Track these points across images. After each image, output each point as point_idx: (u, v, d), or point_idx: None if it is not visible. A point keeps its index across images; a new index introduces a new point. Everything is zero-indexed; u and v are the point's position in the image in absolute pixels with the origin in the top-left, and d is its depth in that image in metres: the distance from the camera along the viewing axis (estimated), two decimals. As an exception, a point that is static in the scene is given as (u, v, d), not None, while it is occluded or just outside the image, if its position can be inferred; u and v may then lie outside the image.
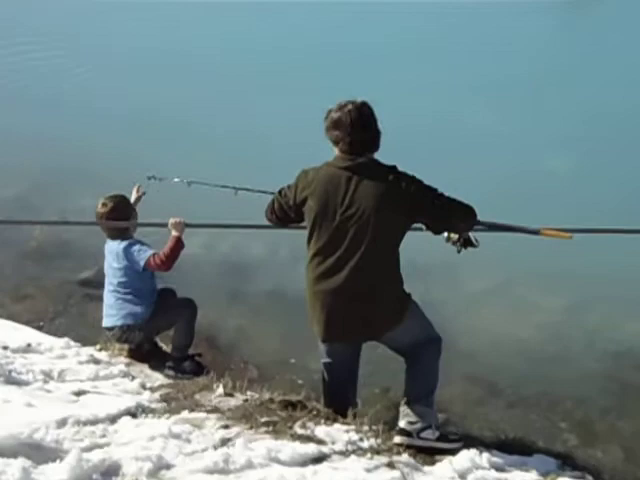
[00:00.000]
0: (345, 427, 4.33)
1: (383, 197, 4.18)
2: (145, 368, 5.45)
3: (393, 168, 4.30)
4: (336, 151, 4.38)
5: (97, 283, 8.60)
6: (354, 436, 4.20)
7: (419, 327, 4.55)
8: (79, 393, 4.53)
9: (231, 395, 4.71)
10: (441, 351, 4.63)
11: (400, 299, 4.47)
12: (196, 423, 4.13)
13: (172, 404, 4.48)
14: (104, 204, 5.55)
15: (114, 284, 5.46)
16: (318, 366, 6.64)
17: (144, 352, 5.59)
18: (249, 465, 3.57)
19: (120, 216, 5.52)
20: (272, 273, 8.91)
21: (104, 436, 3.82)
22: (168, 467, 3.50)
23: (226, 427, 4.12)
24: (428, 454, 4.30)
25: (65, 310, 7.68)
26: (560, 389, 6.24)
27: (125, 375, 5.08)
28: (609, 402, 6.11)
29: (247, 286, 8.54)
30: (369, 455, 3.96)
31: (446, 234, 4.73)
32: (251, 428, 4.14)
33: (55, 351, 5.40)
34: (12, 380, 4.60)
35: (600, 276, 7.76)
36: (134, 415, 4.20)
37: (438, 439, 4.44)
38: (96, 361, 5.29)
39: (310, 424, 4.26)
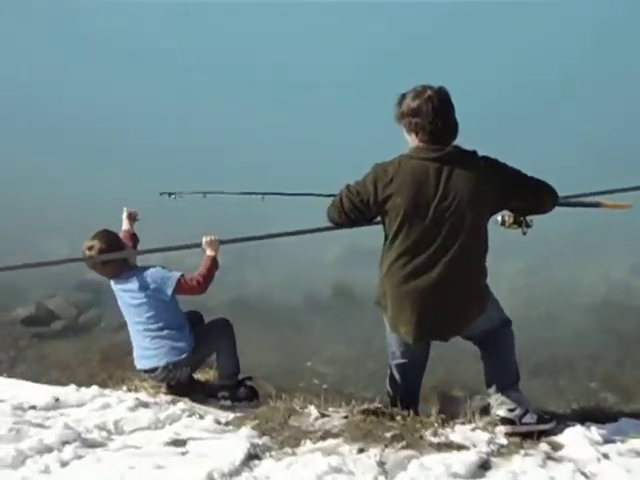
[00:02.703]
0: (467, 427, 4.25)
1: (477, 186, 4.03)
2: (194, 403, 5.03)
3: (476, 154, 4.14)
4: (412, 140, 4.15)
5: (40, 319, 7.98)
6: (484, 435, 4.12)
7: (496, 312, 4.49)
8: (176, 443, 4.11)
9: (325, 415, 4.45)
10: (513, 332, 4.58)
11: (484, 289, 4.38)
12: (330, 451, 3.88)
13: (278, 437, 4.17)
14: (91, 247, 4.87)
15: (142, 322, 4.94)
16: (326, 368, 6.56)
17: (184, 385, 5.14)
18: (442, 486, 3.39)
19: (112, 251, 4.93)
20: (228, 280, 8.55)
21: (266, 486, 3.50)
22: (368, 506, 3.26)
23: (362, 450, 3.89)
24: (531, 437, 4.25)
25: (20, 355, 7.00)
26: (566, 350, 6.45)
27: (190, 414, 4.67)
28: (616, 354, 6.39)
29: (209, 296, 8.16)
30: (522, 452, 3.89)
31: (500, 218, 4.66)
32: (386, 447, 3.93)
33: (93, 402, 4.85)
34: (87, 442, 4.10)
35: (552, 234, 8.07)
36: (258, 457, 3.87)
37: (538, 422, 4.40)
38: (144, 404, 4.82)
39: (439, 430, 4.11)
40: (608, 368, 6.14)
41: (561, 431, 4.31)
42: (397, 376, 4.68)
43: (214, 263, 4.86)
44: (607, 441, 4.16)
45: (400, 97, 4.16)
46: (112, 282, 4.97)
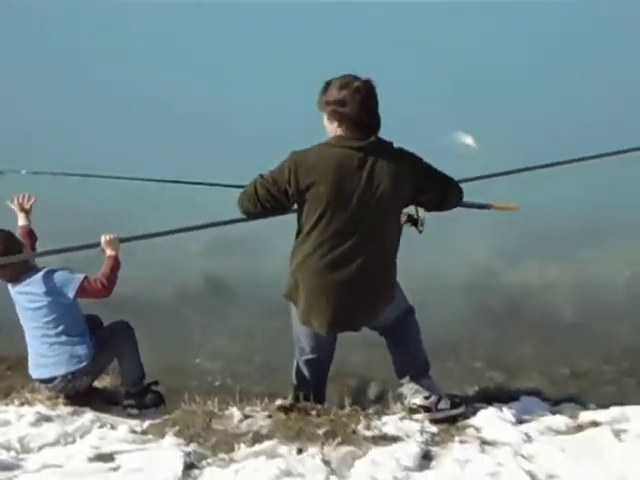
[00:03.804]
0: (395, 417, 4.30)
1: (397, 178, 4.03)
2: (99, 413, 4.73)
3: (393, 145, 4.13)
4: (333, 130, 4.07)
5: None
6: (413, 424, 4.18)
7: (402, 300, 4.57)
8: (102, 458, 3.88)
9: (248, 416, 4.35)
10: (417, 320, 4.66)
11: (395, 279, 4.45)
12: (269, 454, 3.81)
13: (206, 443, 4.04)
14: None
15: (40, 327, 4.58)
16: (213, 365, 6.41)
17: (83, 395, 4.84)
18: (398, 480, 3.41)
19: (10, 253, 4.59)
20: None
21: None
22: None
23: (301, 451, 3.85)
24: (453, 423, 4.37)
25: None
26: (445, 334, 6.60)
27: (101, 425, 4.42)
28: (492, 334, 6.67)
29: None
30: (456, 439, 3.98)
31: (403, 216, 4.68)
32: (323, 445, 3.90)
33: (-13, 419, 4.47)
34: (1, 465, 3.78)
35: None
36: (195, 466, 3.73)
37: (452, 407, 4.53)
38: (46, 418, 4.50)
39: (372, 424, 4.14)
40: (488, 348, 6.39)
41: (473, 414, 4.44)
42: (306, 372, 4.66)
43: (116, 263, 4.62)
44: (520, 421, 4.34)
45: (325, 85, 4.08)
46: (9, 286, 4.60)
